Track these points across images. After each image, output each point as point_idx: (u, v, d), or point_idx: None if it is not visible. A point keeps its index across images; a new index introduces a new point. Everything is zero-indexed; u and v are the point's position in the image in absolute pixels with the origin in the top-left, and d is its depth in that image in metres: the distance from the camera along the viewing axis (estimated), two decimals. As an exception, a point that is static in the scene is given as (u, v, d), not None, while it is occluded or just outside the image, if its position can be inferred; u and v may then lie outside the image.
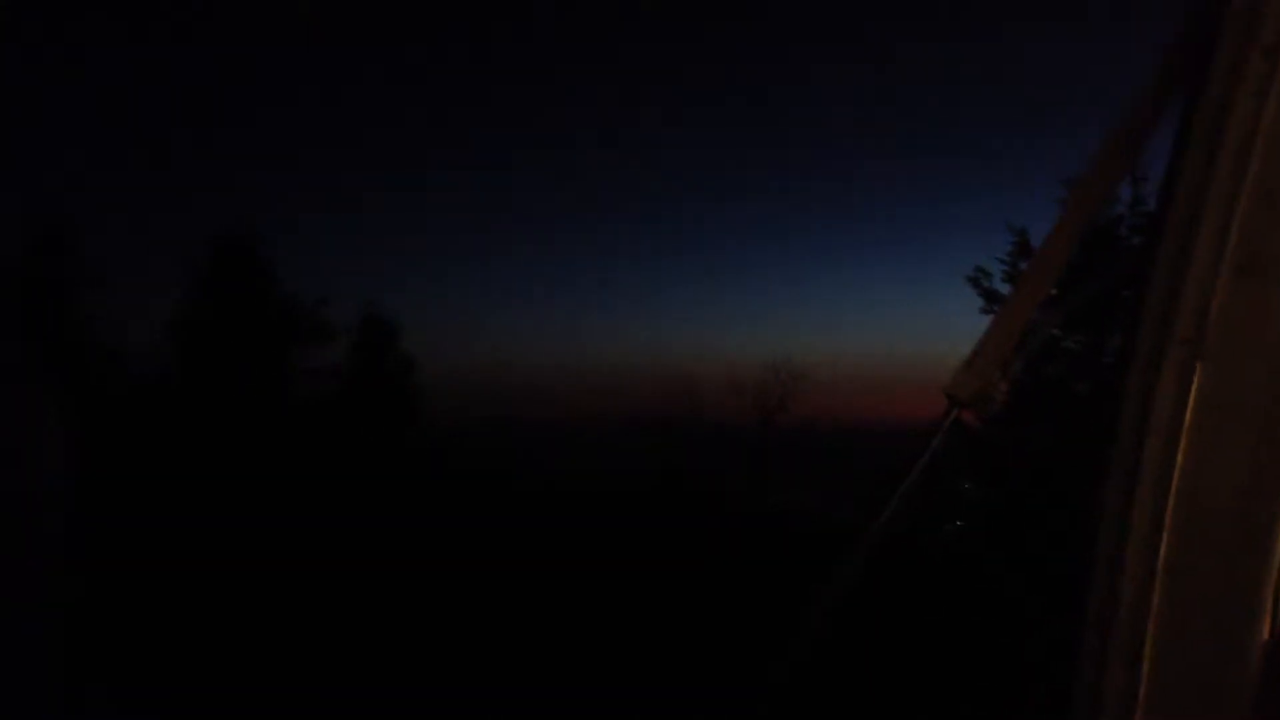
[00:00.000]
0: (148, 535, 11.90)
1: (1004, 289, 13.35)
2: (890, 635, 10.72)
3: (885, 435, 22.68)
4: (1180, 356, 1.34)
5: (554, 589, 13.62)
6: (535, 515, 17.87)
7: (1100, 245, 11.27)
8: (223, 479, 14.84)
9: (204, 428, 16.73)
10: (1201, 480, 1.32)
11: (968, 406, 1.63)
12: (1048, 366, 12.37)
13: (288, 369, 19.74)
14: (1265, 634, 1.28)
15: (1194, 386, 1.33)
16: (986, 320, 1.65)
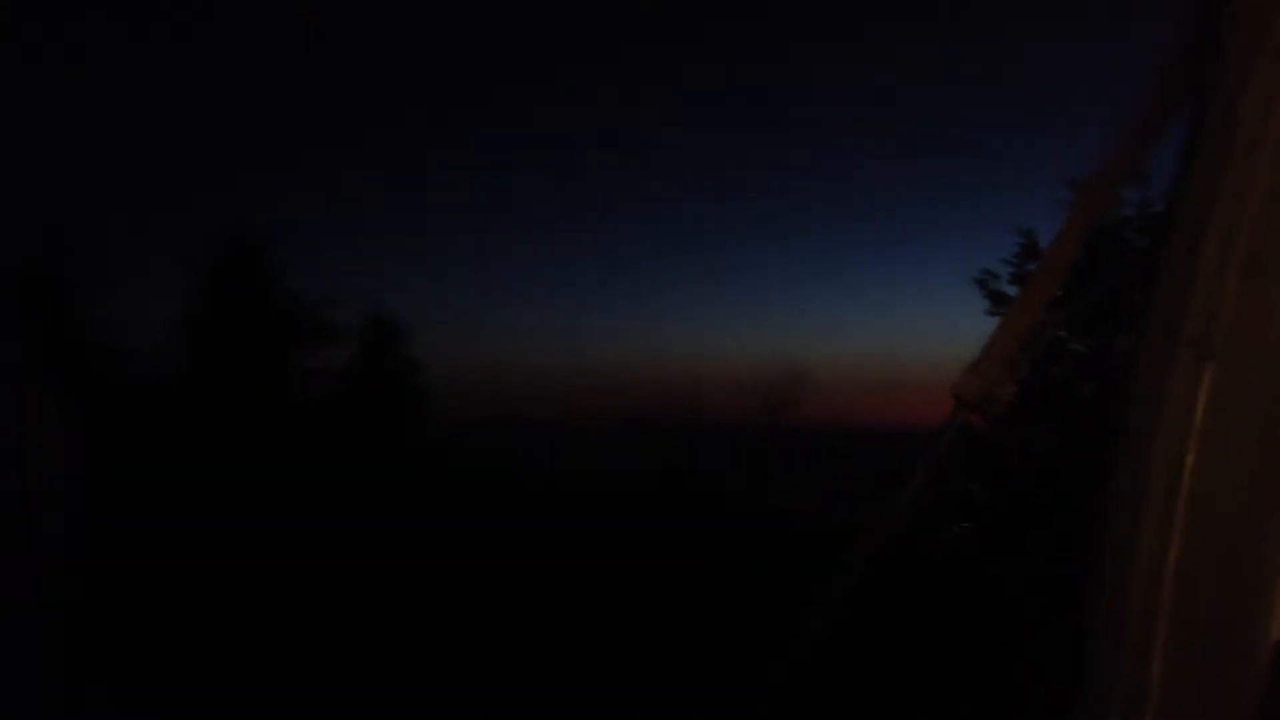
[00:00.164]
0: (150, 535, 11.91)
1: (1011, 291, 13.35)
2: (893, 636, 10.71)
3: (887, 437, 22.70)
4: (1188, 358, 1.34)
5: (556, 589, 13.63)
6: (537, 515, 17.88)
7: (1107, 247, 11.25)
8: (225, 479, 14.86)
9: (207, 427, 16.74)
10: (1210, 482, 1.32)
11: (974, 408, 1.63)
12: (1054, 368, 12.37)
13: (291, 369, 19.77)
14: (1275, 635, 1.28)
15: (1202, 388, 1.33)
16: (992, 322, 1.65)
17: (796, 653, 1.72)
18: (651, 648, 11.45)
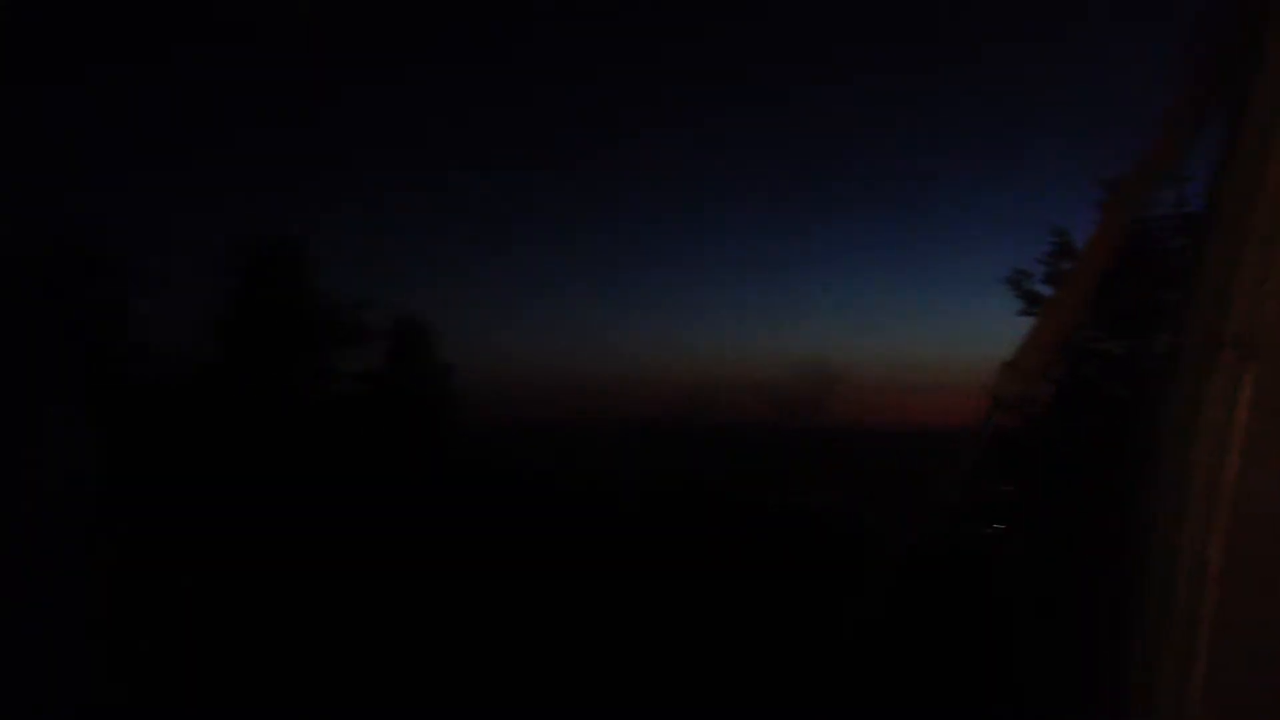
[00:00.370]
0: (180, 535, 12.04)
1: (1045, 291, 13.23)
2: (926, 636, 10.67)
3: (911, 437, 22.59)
4: (1230, 359, 1.33)
5: (585, 590, 13.67)
6: (569, 517, 17.94)
7: (1141, 246, 11.13)
8: (255, 480, 15.00)
9: (237, 428, 16.91)
10: (1252, 483, 1.31)
11: (1011, 407, 1.62)
12: (1085, 367, 12.26)
13: (323, 370, 19.92)
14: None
15: (1245, 389, 1.32)
16: (1025, 322, 1.64)
17: (841, 647, 1.73)
18: (682, 649, 11.47)
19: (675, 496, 20.19)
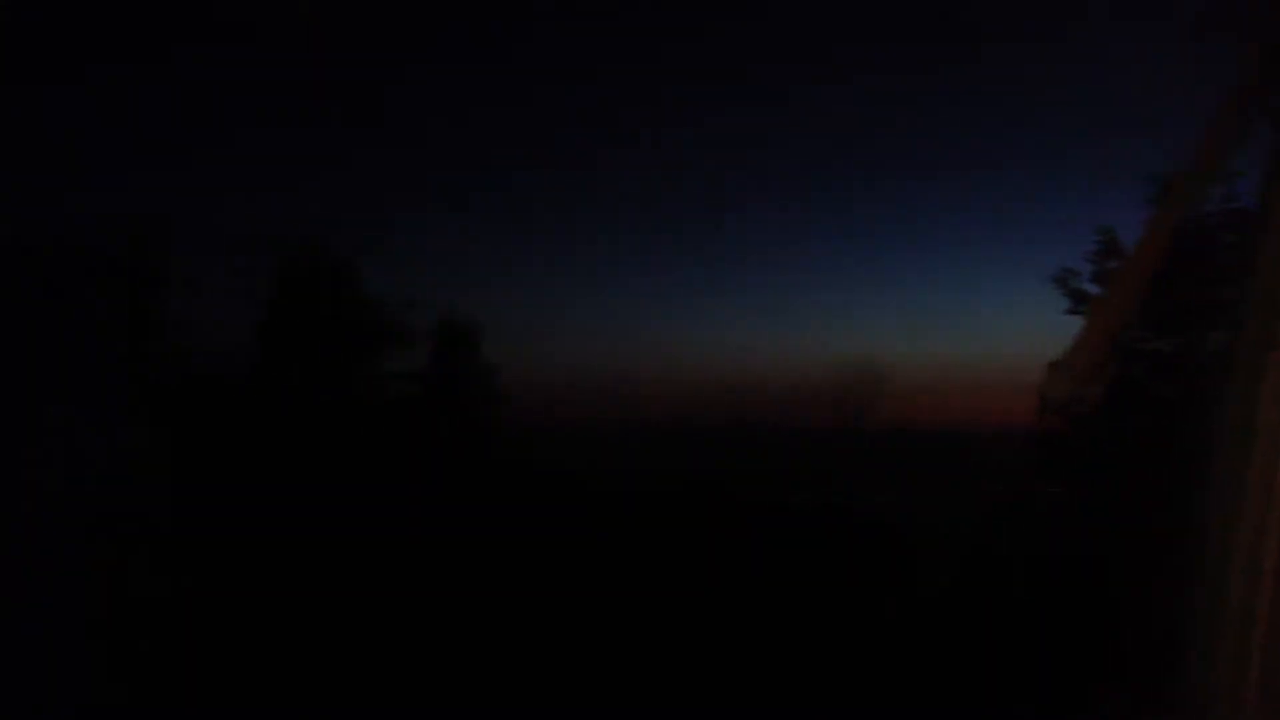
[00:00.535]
0: (226, 534, 12.19)
1: (1091, 290, 13.06)
2: (975, 634, 10.60)
3: (960, 438, 22.32)
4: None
5: (635, 590, 13.71)
6: (605, 517, 17.97)
7: (1190, 244, 10.96)
8: (301, 480, 15.15)
9: (283, 429, 17.07)
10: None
11: (1060, 408, 1.62)
12: (1134, 367, 12.08)
13: (370, 372, 20.05)
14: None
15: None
16: (1072, 321, 1.64)
17: (890, 645, 1.73)
18: (720, 647, 11.49)
19: (724, 499, 20.14)
